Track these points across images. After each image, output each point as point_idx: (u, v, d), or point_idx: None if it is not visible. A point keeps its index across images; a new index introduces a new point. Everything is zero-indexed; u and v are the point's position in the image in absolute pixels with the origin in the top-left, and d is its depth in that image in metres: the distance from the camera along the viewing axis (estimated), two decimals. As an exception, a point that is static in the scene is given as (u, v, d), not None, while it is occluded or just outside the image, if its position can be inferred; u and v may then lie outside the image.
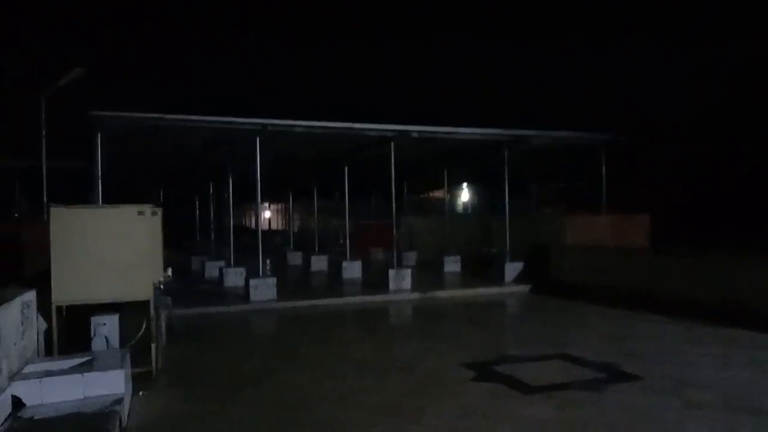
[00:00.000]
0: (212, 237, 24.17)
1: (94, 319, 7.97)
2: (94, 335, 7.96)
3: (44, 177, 14.36)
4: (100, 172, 14.62)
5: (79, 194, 16.73)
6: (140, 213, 8.21)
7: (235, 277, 17.79)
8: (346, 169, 20.45)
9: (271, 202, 50.68)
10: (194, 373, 8.70)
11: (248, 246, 33.60)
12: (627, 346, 9.32)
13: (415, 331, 11.52)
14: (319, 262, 22.96)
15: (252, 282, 14.96)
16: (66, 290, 7.75)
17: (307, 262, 23.79)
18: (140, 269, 8.08)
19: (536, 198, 27.68)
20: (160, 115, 14.00)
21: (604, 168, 18.99)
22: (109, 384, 6.57)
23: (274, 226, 55.11)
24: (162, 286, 9.17)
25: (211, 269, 20.64)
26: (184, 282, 19.69)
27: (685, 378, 7.43)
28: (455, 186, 39.92)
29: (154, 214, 10.14)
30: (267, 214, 54.58)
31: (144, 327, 8.21)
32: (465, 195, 42.87)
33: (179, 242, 31.55)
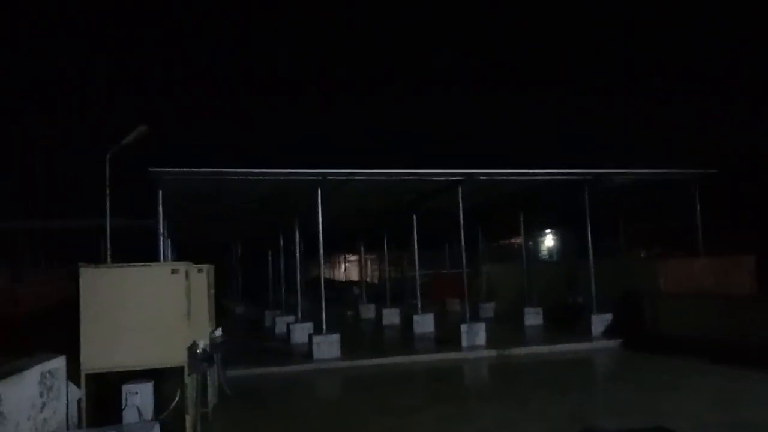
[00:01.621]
0: (282, 291, 23.76)
1: (126, 388, 7.32)
2: (126, 405, 7.33)
3: (108, 235, 14.40)
4: (162, 229, 14.49)
5: (151, 253, 16.69)
6: (174, 271, 7.62)
7: (302, 333, 17.06)
8: (415, 217, 19.60)
9: (349, 253, 50.49)
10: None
11: (325, 299, 33.36)
12: (738, 415, 7.71)
13: (486, 397, 10.23)
14: (391, 316, 21.96)
15: (315, 339, 14.17)
16: (95, 356, 7.19)
17: (379, 315, 22.84)
18: (173, 332, 7.43)
19: (626, 241, 25.62)
20: (220, 170, 13.78)
21: (698, 205, 17.11)
22: (127, 465, 5.86)
23: (355, 278, 54.79)
24: (204, 350, 8.52)
25: (281, 325, 20.08)
26: (252, 339, 19.24)
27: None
28: (537, 231, 38.12)
29: (199, 271, 9.69)
30: (351, 266, 54.46)
31: (177, 397, 7.52)
32: (549, 240, 40.90)
33: (256, 297, 31.60)
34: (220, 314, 29.14)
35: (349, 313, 26.06)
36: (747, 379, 10.00)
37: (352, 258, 50.69)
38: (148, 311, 7.38)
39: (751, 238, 18.52)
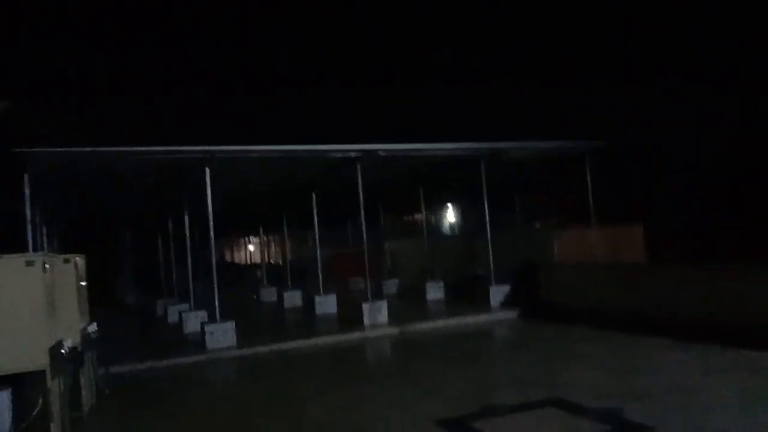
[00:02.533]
0: (174, 278, 22.51)
1: (-25, 399, 6.38)
2: (-23, 418, 6.38)
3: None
4: (31, 216, 13.09)
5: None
6: (29, 264, 6.67)
7: (195, 322, 16.14)
8: (314, 195, 19.05)
9: (252, 234, 49.06)
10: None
11: (227, 284, 32.17)
12: (631, 383, 7.84)
13: (387, 377, 9.95)
14: (293, 298, 21.38)
15: (207, 328, 13.37)
16: (-64, 365, 6.21)
17: (281, 297, 22.18)
18: (31, 333, 6.52)
19: (523, 213, 26.31)
20: (94, 149, 12.55)
21: (589, 178, 17.66)
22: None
23: (259, 260, 53.49)
24: (74, 348, 7.64)
25: (174, 314, 18.99)
26: (142, 330, 18.10)
27: (708, 424, 5.97)
28: (438, 206, 38.57)
29: (66, 261, 8.67)
30: (251, 247, 52.95)
31: (40, 404, 6.65)
32: (450, 215, 41.54)
33: (149, 286, 29.93)
34: (112, 305, 27.51)
35: (254, 297, 25.19)
36: (637, 347, 10.30)
37: (255, 239, 49.30)
38: (1, 310, 6.43)
39: (639, 208, 19.39)
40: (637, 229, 16.88)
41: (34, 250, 13.98)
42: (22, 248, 12.70)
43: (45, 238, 18.65)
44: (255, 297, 24.93)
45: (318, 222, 19.64)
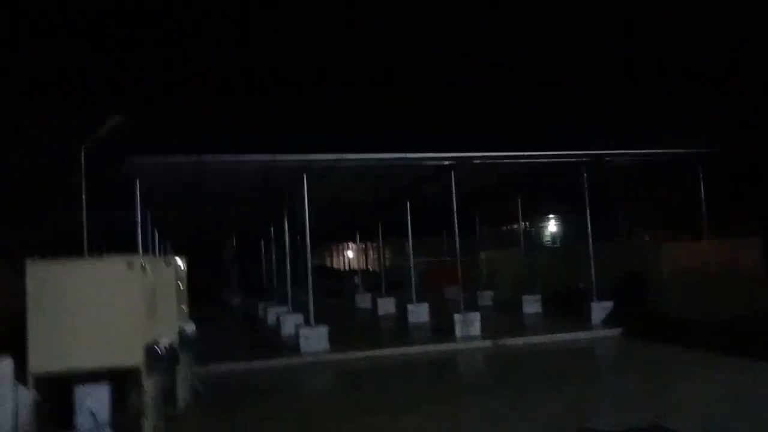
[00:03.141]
0: (274, 282, 23.20)
1: (78, 390, 6.75)
2: (79, 409, 6.75)
3: (84, 229, 13.82)
4: (142, 221, 13.91)
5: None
6: (130, 265, 7.00)
7: (291, 325, 16.46)
8: (409, 204, 18.98)
9: (351, 241, 49.90)
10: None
11: (325, 289, 32.90)
12: (745, 411, 7.08)
13: (477, 393, 9.61)
14: (387, 305, 21.37)
15: (302, 332, 13.60)
16: (43, 357, 6.63)
17: (375, 304, 22.25)
18: (129, 331, 6.83)
19: (628, 223, 24.93)
20: (199, 157, 13.13)
21: (702, 186, 16.39)
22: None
23: (356, 267, 54.31)
24: (169, 348, 7.93)
25: (273, 316, 19.52)
26: (243, 331, 18.74)
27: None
28: (538, 216, 37.43)
29: (167, 264, 9.09)
30: (349, 254, 53.90)
31: (134, 401, 6.94)
32: (551, 225, 40.16)
33: (253, 289, 31.09)
34: (217, 306, 28.81)
35: (350, 303, 25.53)
36: (756, 370, 9.36)
37: (353, 246, 50.11)
38: (101, 308, 6.77)
39: (757, 218, 17.79)
40: (755, 241, 15.42)
41: (144, 252, 14.87)
42: (133, 251, 13.54)
43: (157, 242, 19.84)
44: (351, 303, 25.19)
45: (413, 230, 19.56)
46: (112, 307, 6.81)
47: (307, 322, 14.18)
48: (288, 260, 18.54)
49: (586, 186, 15.71)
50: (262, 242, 26.98)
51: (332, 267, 55.61)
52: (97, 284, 6.82)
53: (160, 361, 7.38)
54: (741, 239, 15.70)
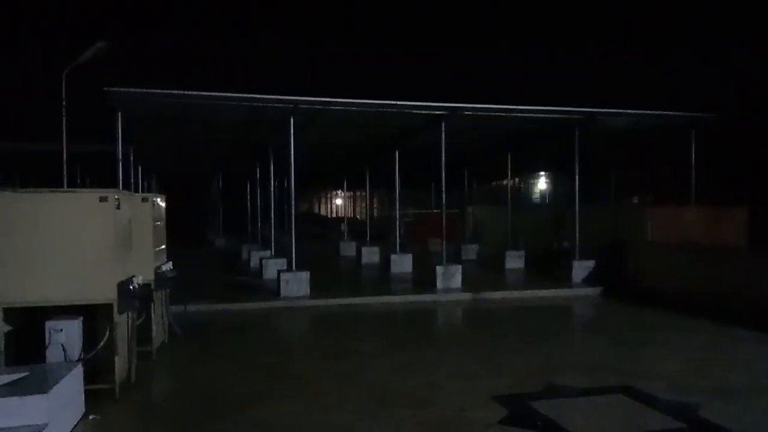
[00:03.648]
0: (259, 225, 23.03)
1: (49, 324, 6.65)
2: (49, 343, 6.67)
3: (64, 160, 13.50)
4: (121, 155, 13.62)
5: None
6: (103, 199, 6.81)
7: (274, 269, 16.44)
8: (398, 153, 18.75)
9: (338, 188, 49.69)
10: (166, 393, 7.34)
11: (311, 235, 32.86)
12: (714, 377, 7.16)
13: (452, 344, 9.66)
14: (371, 254, 21.38)
15: (283, 276, 13.57)
16: (11, 289, 6.51)
17: (359, 253, 22.26)
18: (100, 266, 6.70)
19: (617, 187, 24.89)
20: (183, 92, 12.75)
21: (693, 153, 16.29)
22: (29, 413, 5.25)
23: (343, 214, 54.24)
24: (145, 285, 7.84)
25: (256, 259, 19.49)
26: (225, 273, 18.69)
27: (802, 438, 5.29)
28: (528, 174, 37.31)
29: (144, 200, 8.88)
30: (337, 201, 53.72)
31: (107, 336, 6.88)
32: (541, 184, 40.08)
33: (238, 230, 30.98)
34: (200, 246, 28.70)
35: (334, 250, 25.52)
36: (727, 337, 9.47)
37: (340, 193, 49.94)
38: (72, 242, 6.62)
39: (747, 188, 17.76)
40: (741, 211, 15.43)
41: (125, 188, 14.63)
42: (114, 186, 13.31)
43: (140, 178, 19.54)
44: (335, 250, 25.20)
45: (401, 181, 19.40)
46: (84, 241, 6.66)
47: (289, 267, 14.15)
48: (273, 204, 18.38)
49: (577, 146, 15.54)
50: (248, 184, 26.73)
51: (319, 213, 55.49)
52: (68, 217, 6.65)
53: (133, 298, 7.30)
54: (726, 208, 15.69)
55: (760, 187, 18.15)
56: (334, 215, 50.05)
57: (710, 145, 17.76)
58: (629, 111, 15.09)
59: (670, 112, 15.37)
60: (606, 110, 14.93)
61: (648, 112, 15.17)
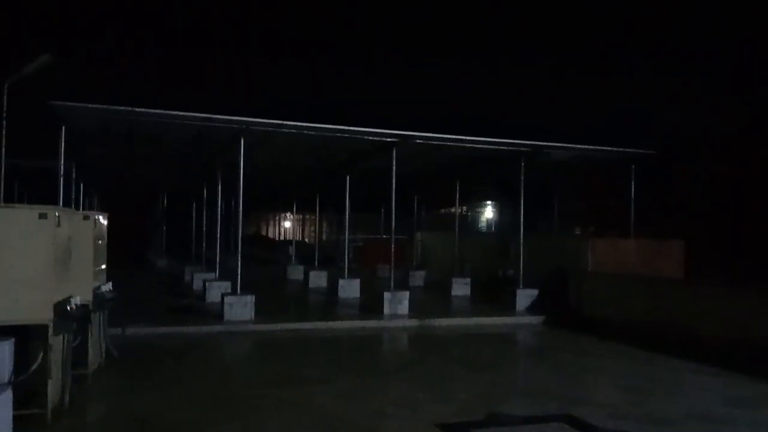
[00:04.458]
0: (203, 246, 22.58)
1: (-23, 346, 6.32)
2: (-23, 367, 6.33)
3: (1, 175, 12.96)
4: (64, 171, 13.20)
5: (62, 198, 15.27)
6: (42, 216, 6.57)
7: (217, 293, 16.09)
8: (348, 178, 18.80)
9: (289, 211, 49.26)
10: (100, 419, 7.06)
11: (258, 258, 32.38)
12: (650, 406, 7.37)
13: (397, 371, 9.62)
14: (318, 279, 21.23)
15: (227, 299, 13.30)
16: (-62, 309, 6.17)
17: (307, 277, 22.07)
18: (36, 285, 6.44)
19: (561, 217, 25.61)
20: (131, 109, 12.49)
21: (633, 186, 16.97)
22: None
23: (297, 237, 53.66)
24: (83, 306, 7.55)
25: (199, 282, 19.04)
26: (167, 295, 18.20)
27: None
28: (476, 202, 38.00)
29: (85, 218, 8.62)
30: (286, 224, 53.24)
31: (40, 358, 6.58)
32: (488, 212, 40.85)
33: (182, 251, 30.27)
34: (142, 266, 27.89)
35: (281, 273, 25.21)
36: (664, 366, 9.78)
37: (289, 216, 49.53)
38: (7, 260, 6.35)
39: (683, 221, 18.58)
40: (678, 243, 16.13)
41: (66, 205, 14.14)
42: (54, 203, 12.83)
43: (81, 195, 18.93)
44: (282, 274, 24.91)
45: (351, 205, 19.43)
46: (20, 259, 6.39)
47: (233, 290, 13.90)
48: (219, 225, 18.09)
49: (522, 176, 15.96)
50: (194, 204, 26.22)
51: (267, 236, 54.84)
52: (4, 234, 6.38)
53: (70, 319, 7.03)
54: (663, 240, 16.37)
55: (696, 220, 19.03)
56: (282, 238, 49.56)
57: (650, 178, 18.53)
58: (573, 145, 15.63)
59: (611, 148, 15.99)
60: (551, 144, 15.42)
61: (590, 147, 15.73)
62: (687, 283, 13.48)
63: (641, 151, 16.42)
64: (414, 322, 13.87)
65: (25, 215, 6.52)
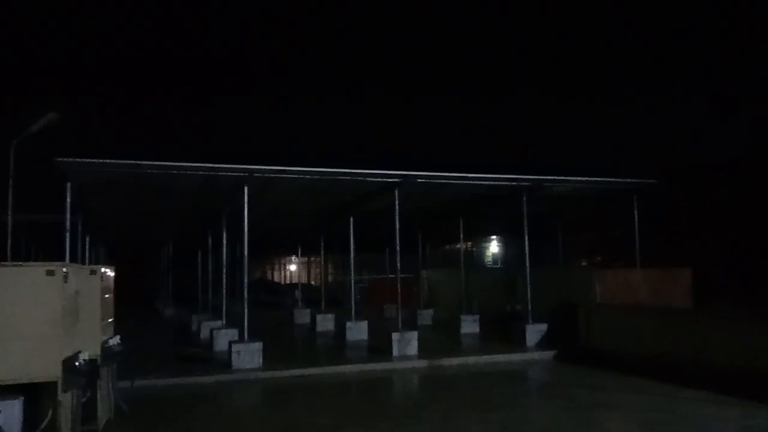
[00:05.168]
0: (210, 294, 22.57)
1: (-14, 406, 6.31)
2: (-13, 426, 6.31)
3: (9, 231, 13.09)
4: (70, 225, 13.30)
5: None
6: (50, 273, 6.63)
7: (225, 340, 16.00)
8: (352, 220, 18.90)
9: (294, 254, 49.28)
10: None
11: (264, 303, 32.26)
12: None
13: (410, 416, 9.42)
14: (326, 322, 21.14)
15: (234, 347, 13.23)
16: (-51, 369, 6.18)
17: (314, 320, 21.96)
18: (45, 343, 6.46)
19: (567, 249, 25.56)
20: (137, 162, 12.68)
21: (636, 215, 16.99)
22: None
23: (297, 281, 53.57)
24: (91, 361, 7.55)
25: (206, 330, 18.96)
26: (175, 345, 18.11)
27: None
28: (481, 238, 37.99)
29: (92, 273, 8.67)
30: (291, 267, 53.20)
31: (50, 416, 6.56)
32: (493, 247, 40.76)
33: (188, 299, 30.23)
34: (150, 317, 27.81)
35: (288, 318, 25.11)
36: (679, 399, 9.64)
37: (294, 260, 49.57)
38: (17, 318, 6.39)
39: (689, 249, 18.53)
40: (685, 272, 16.04)
41: (73, 259, 14.23)
42: (62, 257, 12.92)
43: (88, 248, 19.04)
44: (289, 318, 24.80)
45: (355, 246, 19.47)
46: (29, 317, 6.43)
47: (240, 338, 13.84)
48: (225, 272, 18.11)
49: (525, 211, 16.02)
50: (200, 252, 26.31)
51: (272, 280, 54.75)
52: (13, 293, 6.43)
53: (78, 375, 7.01)
54: (671, 270, 16.30)
55: (701, 247, 18.98)
56: (288, 282, 49.45)
57: (653, 207, 18.57)
58: (574, 178, 15.71)
59: (613, 179, 16.08)
60: (552, 177, 15.51)
61: (591, 179, 15.82)
62: (697, 313, 13.36)
63: (642, 180, 16.49)
64: (423, 363, 13.75)
65: (32, 273, 6.58)
